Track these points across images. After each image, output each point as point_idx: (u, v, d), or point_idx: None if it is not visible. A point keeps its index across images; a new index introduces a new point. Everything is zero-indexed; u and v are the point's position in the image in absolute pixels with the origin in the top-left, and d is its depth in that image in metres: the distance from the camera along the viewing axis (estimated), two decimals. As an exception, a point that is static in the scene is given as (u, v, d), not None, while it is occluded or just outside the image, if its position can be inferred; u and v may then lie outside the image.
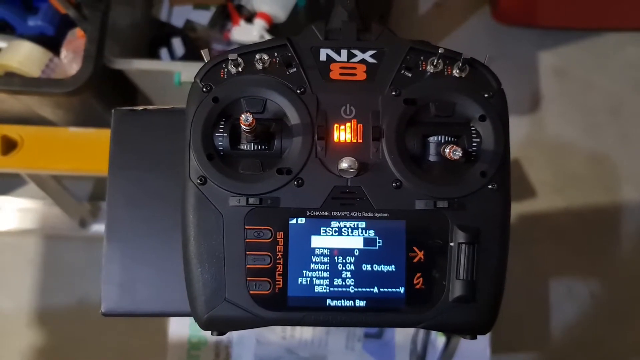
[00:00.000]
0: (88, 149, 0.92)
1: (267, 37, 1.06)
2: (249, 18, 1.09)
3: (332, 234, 0.36)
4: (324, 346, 0.74)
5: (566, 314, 1.20)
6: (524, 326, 1.21)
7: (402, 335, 0.75)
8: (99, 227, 1.22)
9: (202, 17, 1.10)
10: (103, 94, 1.00)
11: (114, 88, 1.05)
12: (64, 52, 1.00)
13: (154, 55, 1.10)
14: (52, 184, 1.11)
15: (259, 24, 1.07)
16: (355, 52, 0.38)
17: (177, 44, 1.08)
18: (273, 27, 1.08)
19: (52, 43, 1.02)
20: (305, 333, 0.74)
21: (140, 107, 0.45)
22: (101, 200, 1.24)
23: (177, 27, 1.11)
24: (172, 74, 0.94)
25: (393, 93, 0.37)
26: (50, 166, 0.94)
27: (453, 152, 0.35)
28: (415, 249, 0.36)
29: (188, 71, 0.93)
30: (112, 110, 0.44)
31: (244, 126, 0.35)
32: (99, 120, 1.04)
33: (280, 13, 1.08)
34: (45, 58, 0.99)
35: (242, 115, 0.34)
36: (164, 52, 1.08)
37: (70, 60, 0.99)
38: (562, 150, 1.29)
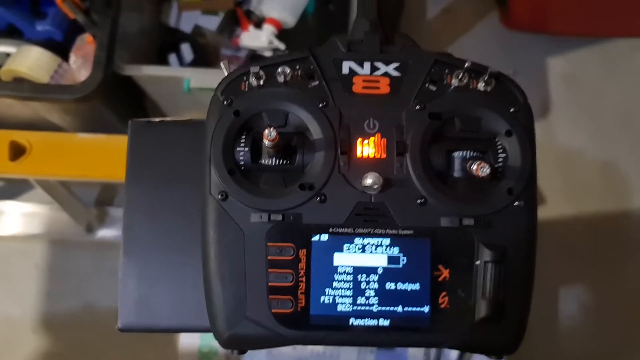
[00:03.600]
0: (97, 155, 0.92)
1: (276, 42, 1.06)
2: (258, 23, 1.09)
3: (355, 252, 0.36)
4: (335, 358, 0.73)
5: (576, 324, 1.19)
6: (534, 336, 1.19)
7: (414, 347, 0.74)
8: (105, 233, 1.22)
9: (211, 23, 1.10)
10: (111, 99, 0.99)
11: (122, 93, 1.04)
12: (72, 58, 0.99)
13: (162, 60, 1.09)
14: (60, 189, 1.10)
15: (268, 29, 1.06)
16: (379, 64, 0.38)
17: (186, 49, 1.07)
18: (282, 33, 1.08)
19: (60, 48, 1.01)
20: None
21: (157, 119, 0.44)
22: (108, 206, 1.24)
23: (185, 32, 1.10)
24: (182, 80, 0.93)
25: (417, 107, 0.37)
26: (58, 172, 0.93)
27: (481, 170, 0.34)
28: (440, 267, 0.36)
29: (197, 77, 0.92)
30: (129, 122, 0.44)
31: (267, 141, 0.34)
32: (107, 126, 1.03)
33: (289, 19, 1.08)
34: (54, 63, 0.98)
35: (266, 130, 0.34)
36: (172, 57, 1.08)
37: (79, 65, 0.98)
38: (572, 158, 1.28)
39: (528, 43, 1.33)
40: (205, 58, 1.09)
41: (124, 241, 0.42)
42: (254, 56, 1.08)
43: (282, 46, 1.06)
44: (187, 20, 1.10)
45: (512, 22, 1.31)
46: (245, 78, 0.37)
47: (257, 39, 1.05)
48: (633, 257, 1.23)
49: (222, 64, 0.38)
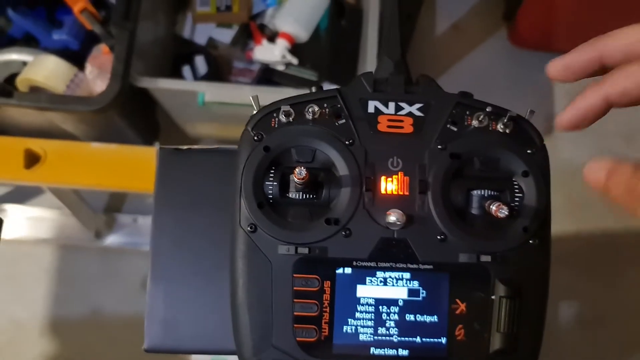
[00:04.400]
0: (110, 165, 0.93)
1: (289, 57, 1.07)
2: (271, 37, 1.10)
3: (377, 284, 0.37)
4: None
5: (576, 340, 1.21)
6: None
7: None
8: (113, 239, 1.24)
9: (225, 36, 1.11)
10: (126, 109, 1.01)
11: (136, 104, 1.06)
12: (89, 68, 1.01)
13: (176, 72, 1.11)
14: (70, 196, 1.12)
15: (281, 43, 1.08)
16: (403, 105, 0.39)
17: (200, 61, 1.09)
18: (295, 47, 1.09)
19: (76, 57, 1.03)
20: None
21: (185, 147, 0.46)
22: (117, 212, 1.25)
23: (200, 44, 1.12)
24: (196, 94, 0.95)
25: (439, 147, 0.38)
26: (72, 181, 0.95)
27: (500, 211, 0.36)
28: (457, 300, 0.37)
29: (212, 92, 0.94)
30: (158, 149, 0.45)
31: (297, 179, 0.36)
32: (120, 135, 1.05)
33: (302, 33, 1.10)
34: (71, 73, 1.00)
35: (297, 169, 0.35)
36: (186, 69, 1.09)
37: (95, 76, 1.00)
38: (574, 174, 1.29)
39: (535, 60, 1.35)
40: (218, 70, 1.10)
41: (152, 265, 0.43)
42: (267, 69, 1.09)
43: (294, 61, 1.08)
44: (202, 33, 1.12)
45: (519, 39, 1.33)
46: (275, 115, 0.39)
47: (270, 52, 1.07)
48: (633, 273, 1.25)
49: (251, 98, 0.40)
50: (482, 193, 0.38)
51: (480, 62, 1.34)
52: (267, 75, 1.09)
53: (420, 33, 1.32)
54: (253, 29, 1.12)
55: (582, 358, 1.20)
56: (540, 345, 0.38)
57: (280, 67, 1.09)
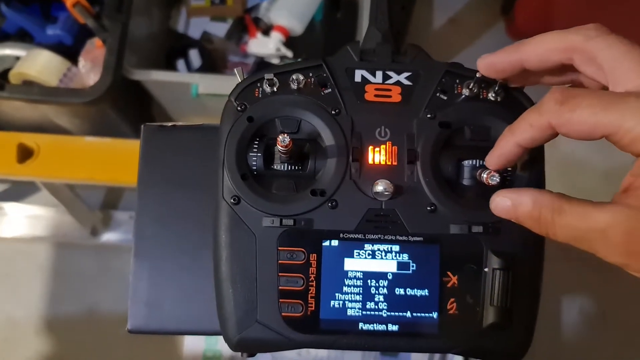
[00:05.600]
0: (104, 159, 0.92)
1: (284, 50, 1.07)
2: (266, 31, 1.10)
3: (365, 257, 0.36)
4: (339, 363, 0.73)
5: (578, 333, 1.19)
6: (536, 345, 1.19)
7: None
8: (110, 236, 1.23)
9: (219, 29, 1.11)
10: (119, 103, 1.00)
11: (130, 97, 1.05)
12: (82, 62, 1.00)
13: (170, 65, 1.10)
14: (66, 192, 1.11)
15: (276, 36, 1.07)
16: (391, 73, 0.38)
17: (194, 55, 1.08)
18: (289, 40, 1.08)
19: (70, 52, 1.02)
20: (321, 349, 0.74)
21: (169, 124, 0.45)
22: (113, 209, 1.24)
23: (194, 38, 1.11)
24: (190, 86, 0.94)
25: (428, 116, 0.37)
26: (65, 175, 0.94)
27: (491, 178, 0.34)
28: (449, 273, 0.36)
29: (205, 83, 0.93)
30: (142, 127, 0.44)
31: (280, 147, 0.35)
32: (114, 129, 1.04)
33: (297, 26, 1.09)
34: (64, 67, 0.99)
35: (280, 137, 0.34)
36: (180, 63, 1.09)
37: (88, 69, 0.99)
38: (575, 166, 1.29)
39: (533, 53, 1.33)
40: (213, 64, 1.10)
41: (135, 244, 0.42)
42: (261, 62, 1.09)
43: (289, 53, 1.07)
44: (196, 26, 1.11)
45: (517, 33, 1.32)
46: (259, 85, 0.38)
47: (265, 46, 1.06)
48: (636, 268, 1.23)
49: (235, 70, 0.39)
50: (474, 163, 0.37)
51: (478, 56, 1.33)
52: (262, 69, 1.08)
53: (417, 26, 1.31)
54: (248, 22, 1.11)
55: (585, 352, 1.18)
56: (536, 321, 0.37)
57: (275, 60, 1.08)
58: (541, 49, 0.32)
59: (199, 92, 0.93)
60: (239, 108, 0.37)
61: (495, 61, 0.35)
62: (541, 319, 0.37)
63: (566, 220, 0.29)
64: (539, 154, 0.37)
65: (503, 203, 0.32)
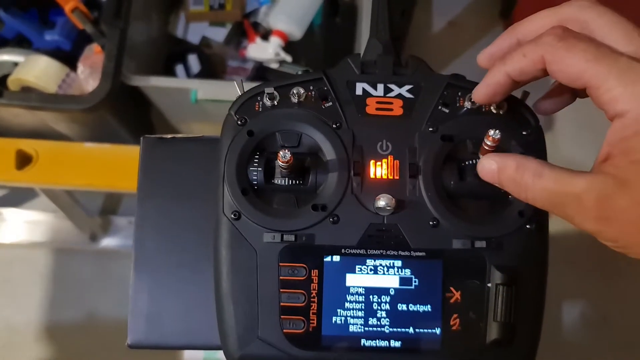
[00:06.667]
0: (103, 165, 0.92)
1: (283, 54, 1.06)
2: (265, 35, 1.09)
3: (367, 273, 0.36)
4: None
5: (579, 337, 1.19)
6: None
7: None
8: (109, 242, 1.22)
9: (218, 34, 1.10)
10: (118, 109, 1.00)
11: (129, 103, 1.05)
12: (80, 68, 1.00)
13: (169, 71, 1.10)
14: (64, 198, 1.11)
15: (275, 41, 1.07)
16: (392, 86, 0.38)
17: (193, 60, 1.08)
18: (288, 45, 1.08)
19: (68, 58, 1.02)
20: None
21: (169, 136, 0.44)
22: (112, 215, 1.24)
23: (193, 43, 1.11)
24: (189, 92, 0.93)
25: (430, 129, 0.37)
26: (64, 181, 0.93)
27: (494, 134, 0.33)
28: (452, 289, 0.36)
29: (204, 89, 0.93)
30: (141, 138, 0.44)
31: (281, 163, 0.34)
32: (113, 135, 1.04)
33: (296, 31, 1.08)
34: (62, 73, 0.99)
35: (280, 152, 0.34)
36: (179, 68, 1.08)
37: (87, 75, 0.99)
38: (575, 169, 1.28)
39: (532, 56, 1.33)
40: (212, 69, 1.09)
41: (135, 257, 0.42)
42: (260, 67, 1.08)
43: (288, 58, 1.06)
44: (195, 31, 1.11)
45: (516, 35, 1.32)
46: (259, 98, 0.37)
47: (264, 50, 1.06)
48: (637, 270, 1.23)
49: (235, 83, 0.39)
50: (475, 162, 0.36)
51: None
52: (261, 73, 1.08)
53: (417, 29, 1.31)
54: (247, 27, 1.11)
55: (585, 356, 1.18)
56: (539, 336, 0.37)
57: (274, 65, 1.08)
58: (537, 25, 0.32)
59: (198, 98, 0.93)
60: (239, 122, 0.37)
61: (494, 50, 0.35)
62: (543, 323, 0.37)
63: (544, 184, 0.29)
64: (540, 153, 0.36)
65: (489, 165, 0.32)
